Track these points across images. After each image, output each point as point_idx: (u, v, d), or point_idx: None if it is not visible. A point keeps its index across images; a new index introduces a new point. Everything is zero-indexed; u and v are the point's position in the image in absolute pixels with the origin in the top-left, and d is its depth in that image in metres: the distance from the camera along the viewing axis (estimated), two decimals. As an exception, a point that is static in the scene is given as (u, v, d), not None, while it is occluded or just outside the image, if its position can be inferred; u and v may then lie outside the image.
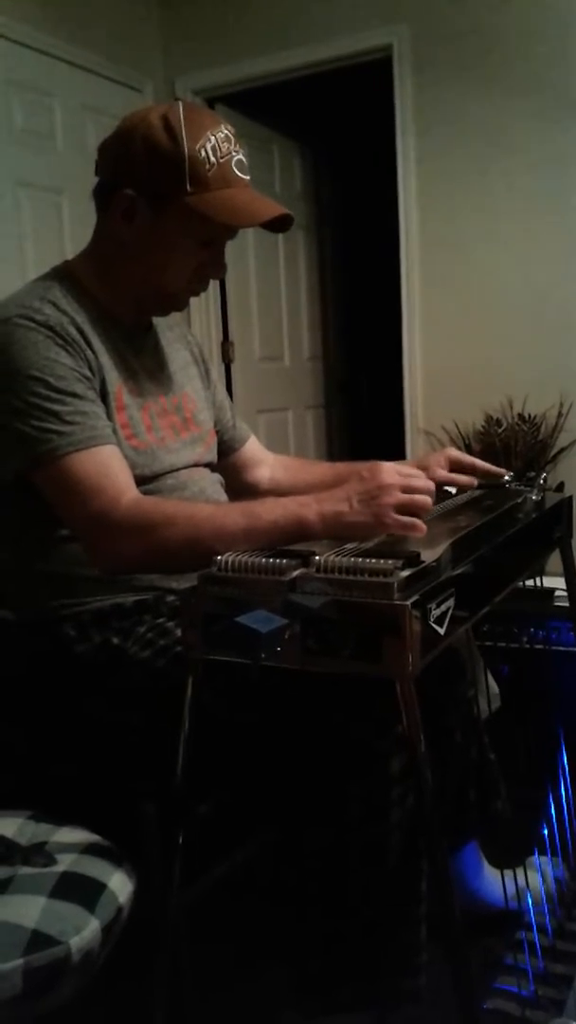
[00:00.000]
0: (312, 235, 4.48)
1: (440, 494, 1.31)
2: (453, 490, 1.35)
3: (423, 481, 1.13)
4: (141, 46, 3.76)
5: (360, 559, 0.97)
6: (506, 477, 1.34)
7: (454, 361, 3.50)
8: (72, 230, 3.27)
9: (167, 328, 1.55)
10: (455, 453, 1.30)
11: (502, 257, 3.37)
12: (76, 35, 3.40)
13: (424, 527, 1.08)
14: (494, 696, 1.61)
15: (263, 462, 1.70)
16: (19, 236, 3.21)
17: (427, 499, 1.11)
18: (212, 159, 1.28)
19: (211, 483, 1.50)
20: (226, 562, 1.03)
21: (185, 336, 1.61)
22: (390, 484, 1.09)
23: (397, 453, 3.57)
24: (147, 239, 1.33)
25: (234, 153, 1.32)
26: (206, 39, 3.76)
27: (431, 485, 1.13)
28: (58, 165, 3.30)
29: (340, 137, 4.59)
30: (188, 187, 1.28)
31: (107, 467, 1.24)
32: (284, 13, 3.60)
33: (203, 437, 1.52)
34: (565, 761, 1.54)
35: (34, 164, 3.25)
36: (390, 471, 1.12)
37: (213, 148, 1.29)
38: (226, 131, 1.32)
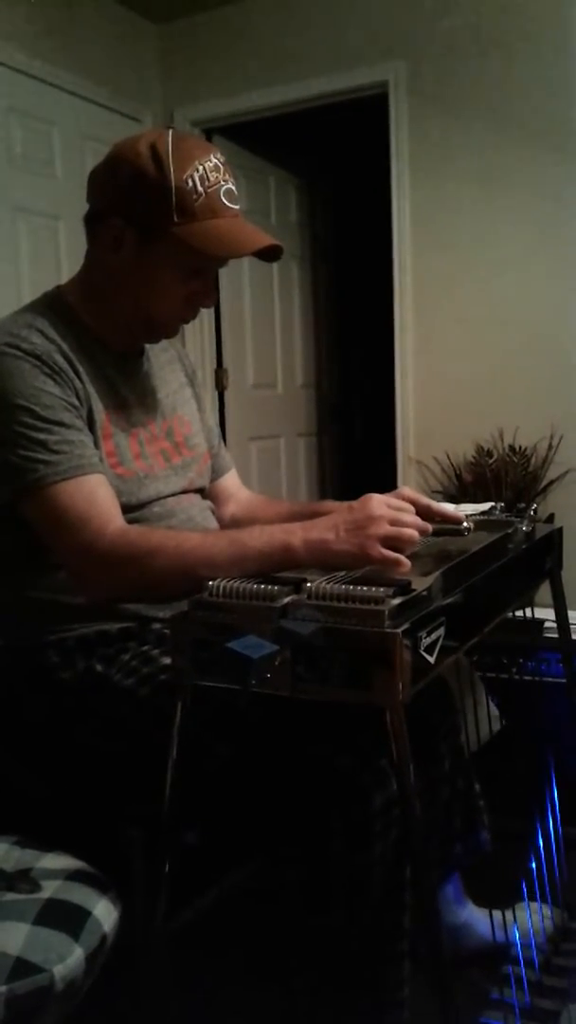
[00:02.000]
0: (306, 265, 4.52)
1: (450, 530, 1.25)
2: (470, 525, 1.27)
3: (412, 516, 1.12)
4: (141, 77, 3.82)
5: (351, 587, 0.97)
6: (465, 524, 1.25)
7: (446, 392, 3.53)
8: (68, 256, 3.30)
9: (161, 351, 1.54)
10: (410, 493, 1.22)
11: (494, 290, 3.41)
12: (77, 65, 3.45)
13: (408, 564, 1.07)
14: (494, 718, 1.60)
15: (233, 498, 1.66)
16: (16, 261, 3.23)
17: (414, 533, 1.09)
18: (200, 189, 1.27)
19: (200, 510, 1.49)
20: (217, 588, 1.03)
21: (180, 357, 1.60)
22: (379, 516, 1.09)
23: (389, 482, 3.58)
24: (135, 268, 1.33)
25: (223, 182, 1.30)
26: (205, 71, 3.82)
27: (419, 520, 1.12)
28: (56, 192, 3.34)
29: (336, 169, 4.64)
30: (175, 217, 1.27)
31: (94, 496, 1.23)
32: (282, 48, 3.66)
33: (196, 460, 1.51)
34: (554, 794, 1.53)
35: (32, 190, 3.29)
36: (379, 503, 1.11)
37: (201, 177, 1.28)
38: (216, 160, 1.31)
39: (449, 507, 1.30)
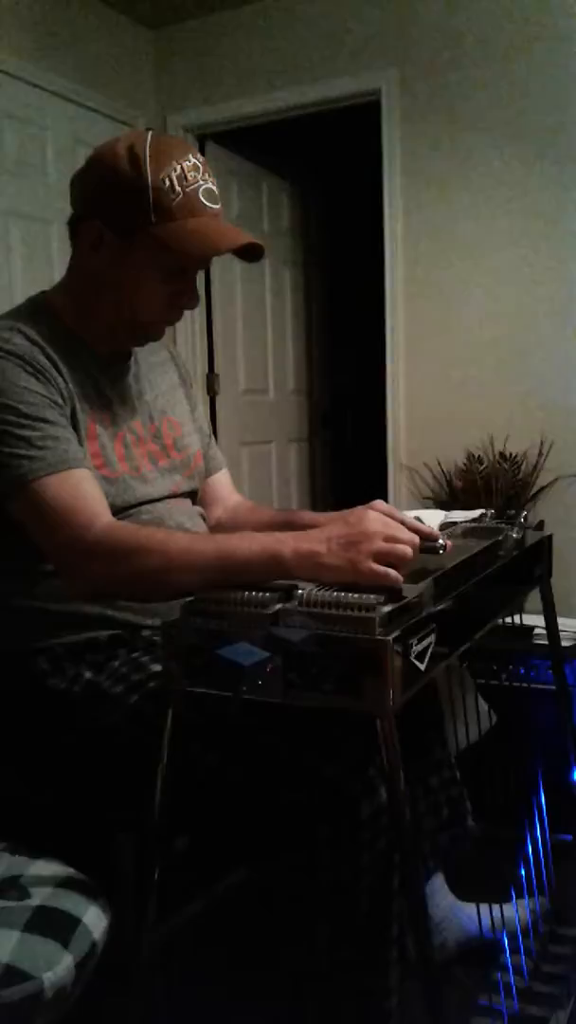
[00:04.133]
0: (299, 270, 4.53)
1: (425, 547, 1.23)
2: (446, 543, 1.26)
3: (407, 533, 1.09)
4: (134, 83, 3.82)
5: (343, 594, 0.97)
6: (440, 542, 1.19)
7: (437, 398, 3.54)
8: (61, 260, 3.29)
9: (150, 353, 1.53)
10: (383, 507, 1.17)
11: (485, 297, 3.43)
12: (71, 70, 3.45)
13: (399, 578, 1.04)
14: (485, 715, 1.60)
15: (221, 502, 1.63)
16: (8, 265, 3.24)
17: (407, 550, 1.06)
18: (177, 188, 1.27)
19: (189, 517, 1.48)
20: (209, 594, 1.03)
21: (173, 358, 1.59)
22: (373, 532, 1.05)
23: (379, 488, 3.59)
24: (115, 269, 1.33)
25: (202, 182, 1.30)
26: (198, 78, 3.83)
27: (415, 538, 1.09)
28: (49, 196, 3.34)
29: (328, 174, 4.66)
30: (152, 217, 1.27)
31: (79, 489, 1.23)
32: (275, 55, 3.67)
33: (185, 463, 1.50)
34: (543, 799, 1.54)
35: (25, 195, 3.29)
36: (375, 519, 1.08)
37: (179, 177, 1.27)
38: (194, 160, 1.30)
39: (436, 516, 1.30)
